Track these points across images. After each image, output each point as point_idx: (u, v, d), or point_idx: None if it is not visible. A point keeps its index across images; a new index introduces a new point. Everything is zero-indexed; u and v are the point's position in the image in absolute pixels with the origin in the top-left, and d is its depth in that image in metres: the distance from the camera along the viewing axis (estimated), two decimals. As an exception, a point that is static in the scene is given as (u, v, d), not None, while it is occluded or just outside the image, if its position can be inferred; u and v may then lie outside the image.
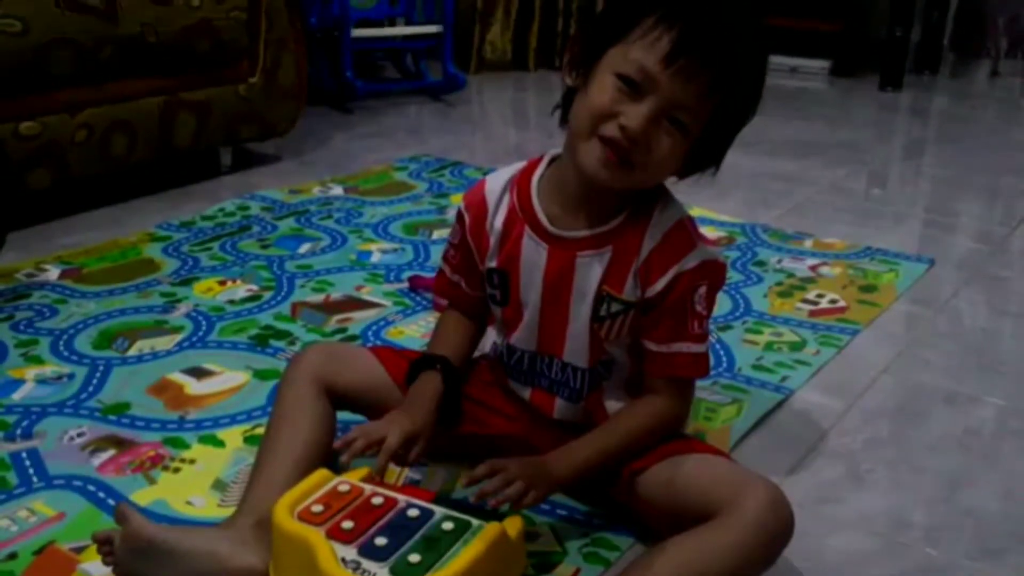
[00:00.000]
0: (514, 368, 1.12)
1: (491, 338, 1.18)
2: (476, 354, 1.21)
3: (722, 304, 1.68)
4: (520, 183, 1.07)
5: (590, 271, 1.02)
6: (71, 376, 1.41)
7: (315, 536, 0.86)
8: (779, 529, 0.93)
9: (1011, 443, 1.31)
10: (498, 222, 1.07)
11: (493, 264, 1.08)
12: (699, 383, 1.12)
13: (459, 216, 1.12)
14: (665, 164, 0.97)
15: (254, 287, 1.74)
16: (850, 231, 2.11)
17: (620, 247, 1.02)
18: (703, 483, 0.97)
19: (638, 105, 0.92)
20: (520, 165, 1.09)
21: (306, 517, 0.89)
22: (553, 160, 1.07)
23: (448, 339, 1.16)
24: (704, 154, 0.99)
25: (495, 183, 1.09)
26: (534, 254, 1.04)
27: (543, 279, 1.04)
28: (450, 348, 1.14)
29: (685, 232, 1.02)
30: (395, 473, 1.17)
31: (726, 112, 0.95)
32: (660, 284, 1.00)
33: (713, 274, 1.03)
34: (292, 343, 1.52)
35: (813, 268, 1.90)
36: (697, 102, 0.93)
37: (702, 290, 1.02)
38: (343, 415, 1.15)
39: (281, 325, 1.59)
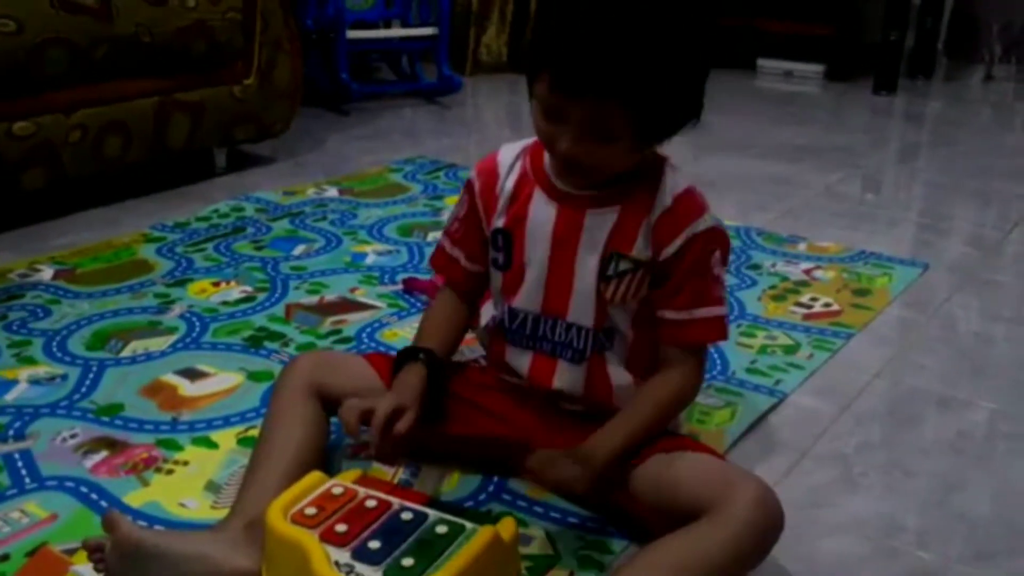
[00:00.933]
0: (516, 332, 1.12)
1: (488, 315, 1.18)
2: (468, 357, 1.21)
3: (716, 307, 1.68)
4: (533, 152, 1.10)
5: (598, 228, 1.04)
6: (64, 377, 1.40)
7: (308, 539, 0.86)
8: (768, 526, 0.93)
9: (1003, 447, 1.32)
10: (509, 184, 1.09)
11: (499, 224, 1.09)
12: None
13: (468, 185, 1.14)
14: (616, 163, 1.00)
15: (248, 288, 1.74)
16: (844, 235, 2.12)
17: (629, 206, 1.03)
18: (693, 481, 0.97)
19: (562, 129, 0.96)
20: (533, 138, 1.10)
21: (299, 520, 0.89)
22: None
23: (436, 328, 1.16)
24: (660, 130, 0.98)
25: (507, 152, 1.12)
26: (543, 213, 1.06)
27: (551, 235, 1.06)
28: (437, 338, 1.14)
29: (695, 197, 1.04)
30: (389, 475, 1.18)
31: (647, 102, 0.92)
32: (673, 247, 1.02)
33: (724, 241, 1.06)
34: (286, 345, 1.52)
35: (807, 271, 1.90)
36: (609, 114, 0.93)
37: (717, 254, 1.05)
38: (337, 421, 1.15)
39: (275, 327, 1.59)
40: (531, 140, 1.10)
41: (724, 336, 1.07)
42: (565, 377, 1.10)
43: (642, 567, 0.93)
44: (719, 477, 0.97)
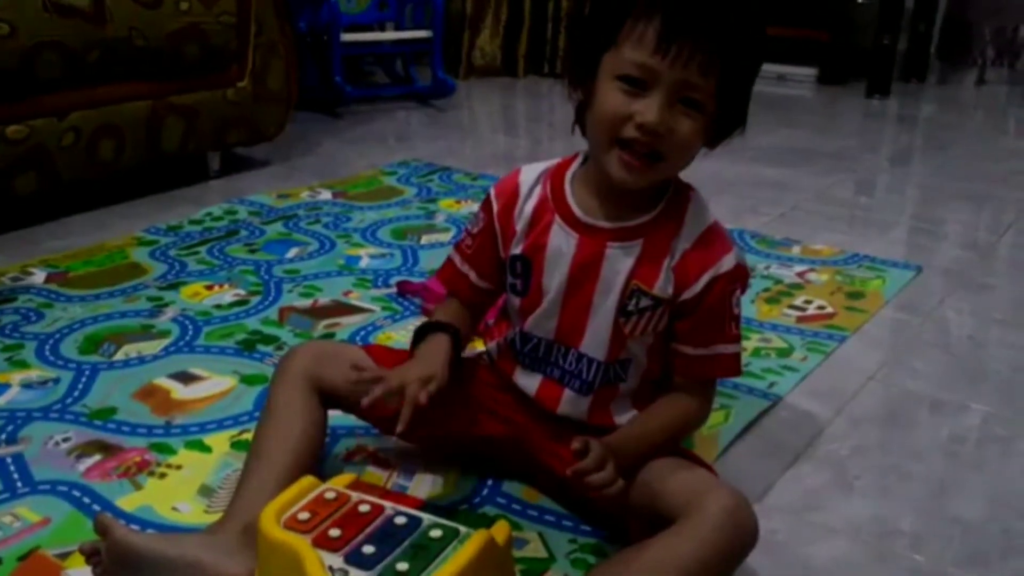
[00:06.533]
0: (528, 355, 1.11)
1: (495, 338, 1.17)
2: (473, 353, 1.20)
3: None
4: (553, 177, 1.08)
5: (619, 263, 1.02)
6: (57, 381, 1.40)
7: (302, 544, 0.86)
8: (737, 537, 0.92)
9: (997, 450, 1.32)
10: (528, 208, 1.07)
11: (517, 251, 1.08)
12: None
13: (486, 203, 1.11)
14: (690, 147, 0.98)
15: (241, 292, 1.74)
16: (838, 238, 2.12)
17: (651, 241, 1.02)
18: (671, 488, 0.97)
19: (648, 99, 0.93)
20: (554, 161, 1.10)
21: (292, 525, 0.89)
22: (586, 159, 1.08)
23: (452, 314, 1.14)
24: (726, 119, 0.99)
25: (529, 173, 1.09)
26: (563, 242, 1.04)
27: (570, 266, 1.04)
28: (455, 321, 1.12)
29: (719, 235, 1.04)
30: (382, 480, 1.17)
31: (733, 74, 0.95)
32: (697, 287, 1.01)
33: (744, 276, 1.05)
34: (280, 348, 1.52)
35: (801, 274, 1.90)
36: (701, 77, 0.93)
37: (738, 292, 1.04)
38: (335, 416, 1.14)
39: (269, 330, 1.58)
40: (551, 164, 1.09)
41: (738, 373, 1.07)
42: (570, 406, 1.10)
43: (608, 572, 0.93)
44: (694, 485, 0.96)
